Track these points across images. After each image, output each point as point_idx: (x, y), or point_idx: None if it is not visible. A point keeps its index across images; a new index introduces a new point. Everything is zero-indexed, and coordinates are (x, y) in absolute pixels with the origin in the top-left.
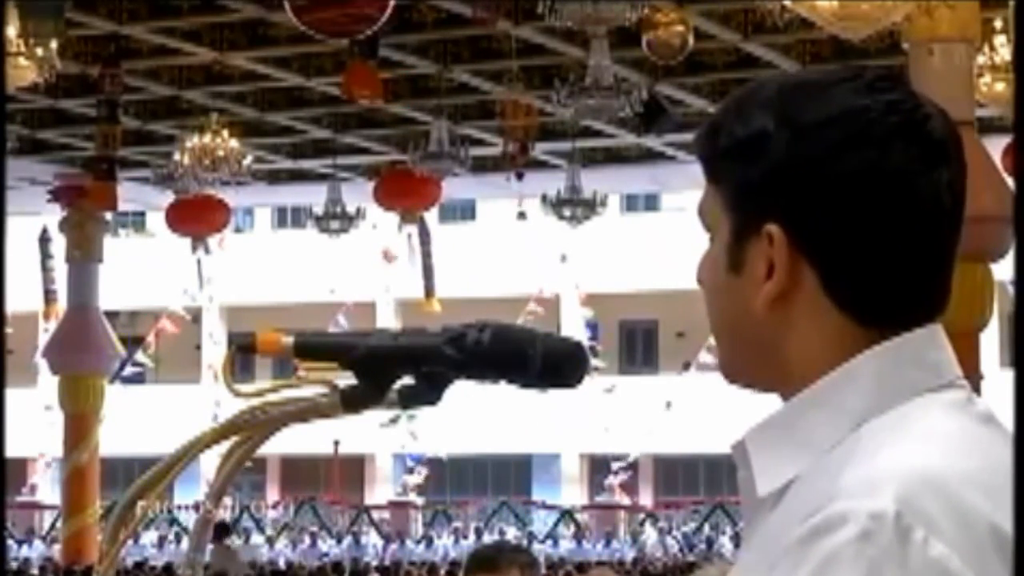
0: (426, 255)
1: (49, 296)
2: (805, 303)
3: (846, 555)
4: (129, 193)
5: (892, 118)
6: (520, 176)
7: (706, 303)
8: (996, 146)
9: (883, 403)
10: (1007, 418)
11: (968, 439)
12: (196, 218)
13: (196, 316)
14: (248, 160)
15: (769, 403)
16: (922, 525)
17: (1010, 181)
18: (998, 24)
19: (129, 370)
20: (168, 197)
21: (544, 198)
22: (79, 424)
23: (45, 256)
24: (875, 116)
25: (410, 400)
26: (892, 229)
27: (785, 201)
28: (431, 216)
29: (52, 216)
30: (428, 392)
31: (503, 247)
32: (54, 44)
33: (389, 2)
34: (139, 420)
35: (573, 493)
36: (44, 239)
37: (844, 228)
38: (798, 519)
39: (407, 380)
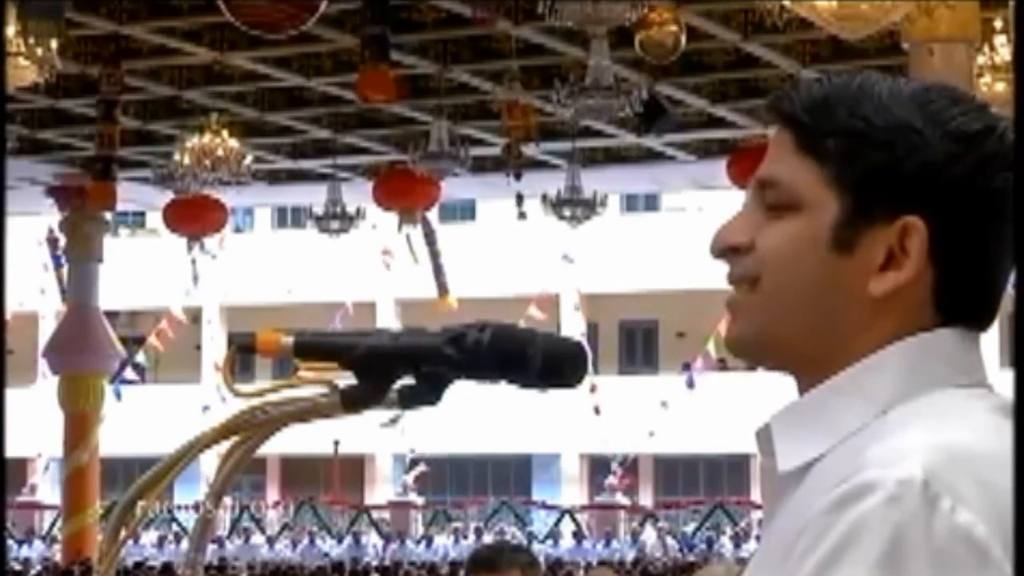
0: (434, 254)
1: (66, 296)
2: (913, 299)
3: (873, 520)
4: (129, 193)
5: (1014, 144)
6: (518, 176)
7: (765, 271)
8: None
9: (910, 392)
10: None
11: (991, 424)
12: (194, 218)
13: (196, 316)
14: (248, 160)
15: (772, 402)
16: (949, 494)
17: None
18: (998, 24)
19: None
20: (168, 197)
21: (544, 198)
22: (79, 424)
23: (55, 256)
24: (1008, 139)
25: (410, 400)
26: (1006, 246)
27: (933, 200)
28: (431, 216)
29: (52, 216)
30: (428, 392)
31: (503, 247)
32: (54, 44)
33: (320, 3)
34: (139, 420)
35: (573, 493)
36: (52, 239)
37: (976, 237)
38: (823, 492)
39: (407, 380)
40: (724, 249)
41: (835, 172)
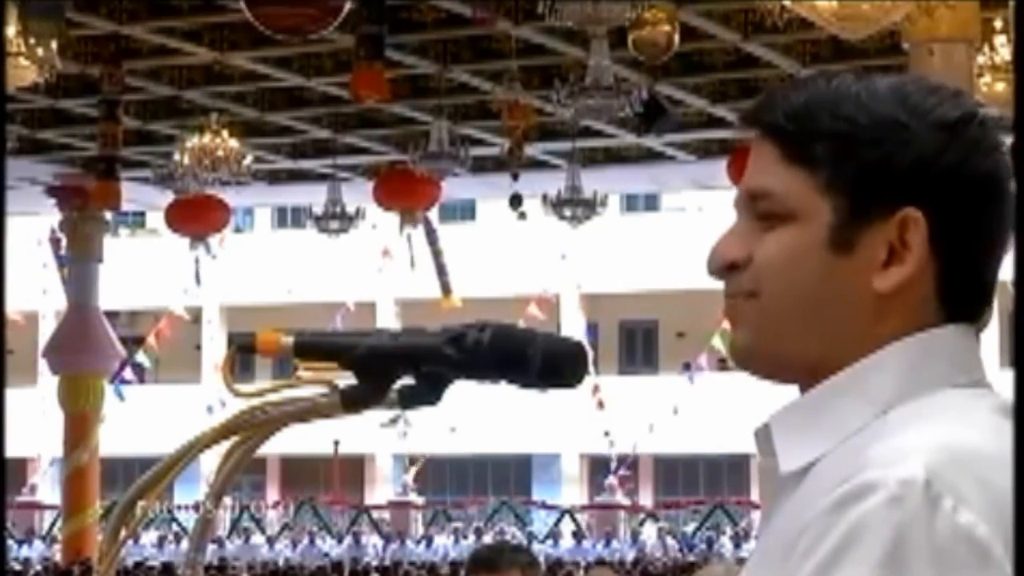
0: (436, 253)
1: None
2: (917, 292)
3: (875, 520)
4: (129, 193)
5: (996, 128)
6: (515, 177)
7: (764, 282)
8: None
9: (911, 392)
10: None
11: (992, 424)
12: (196, 218)
13: (196, 316)
14: (248, 160)
15: (772, 402)
16: (951, 494)
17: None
18: (998, 24)
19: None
20: (168, 197)
21: (544, 198)
22: (79, 424)
23: (59, 256)
24: (991, 123)
25: (410, 400)
26: (1001, 230)
27: (928, 191)
28: (431, 216)
29: (52, 216)
30: (428, 392)
31: (503, 247)
32: (54, 44)
33: (344, 5)
34: (139, 420)
35: (573, 493)
36: (55, 239)
37: (970, 225)
38: (824, 492)
39: (407, 380)
40: (722, 267)
41: (828, 176)
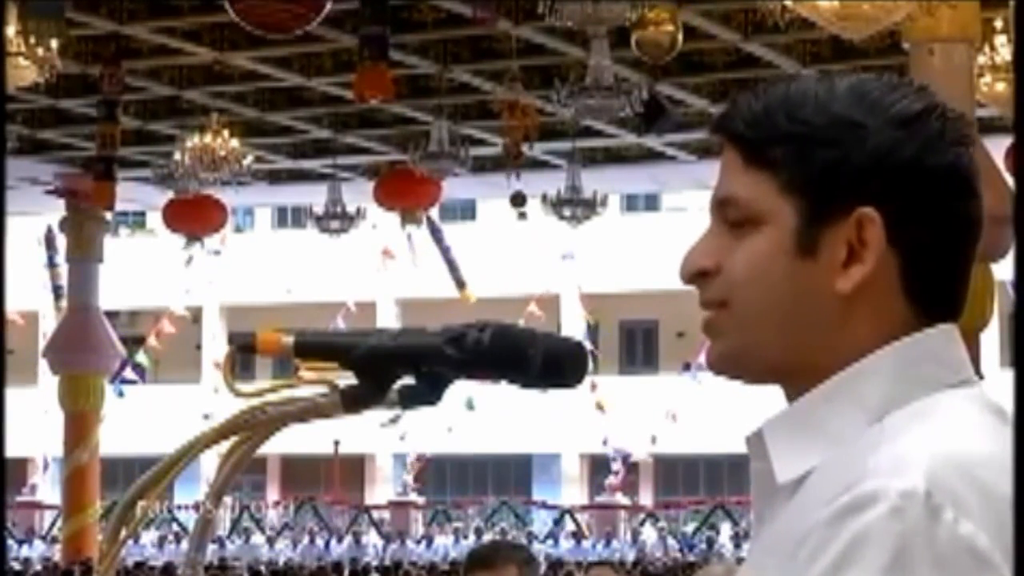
0: (444, 250)
1: (58, 292)
2: (882, 290)
3: (876, 532)
4: (129, 193)
5: (960, 122)
6: (518, 175)
7: (735, 291)
8: (996, 146)
9: (904, 396)
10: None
11: (987, 427)
12: (193, 217)
13: (196, 316)
14: (248, 160)
15: (770, 402)
16: (951, 504)
17: (1011, 181)
18: (998, 24)
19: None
20: (168, 197)
21: (544, 198)
22: (79, 424)
23: (51, 255)
24: (951, 116)
25: (410, 400)
26: (966, 224)
27: (884, 188)
28: (431, 216)
29: (52, 215)
30: (428, 392)
31: (503, 247)
32: (54, 44)
33: (326, 3)
34: (139, 420)
35: (573, 493)
36: (49, 238)
37: (932, 219)
38: (823, 502)
39: (407, 380)
40: (693, 274)
41: (786, 179)
